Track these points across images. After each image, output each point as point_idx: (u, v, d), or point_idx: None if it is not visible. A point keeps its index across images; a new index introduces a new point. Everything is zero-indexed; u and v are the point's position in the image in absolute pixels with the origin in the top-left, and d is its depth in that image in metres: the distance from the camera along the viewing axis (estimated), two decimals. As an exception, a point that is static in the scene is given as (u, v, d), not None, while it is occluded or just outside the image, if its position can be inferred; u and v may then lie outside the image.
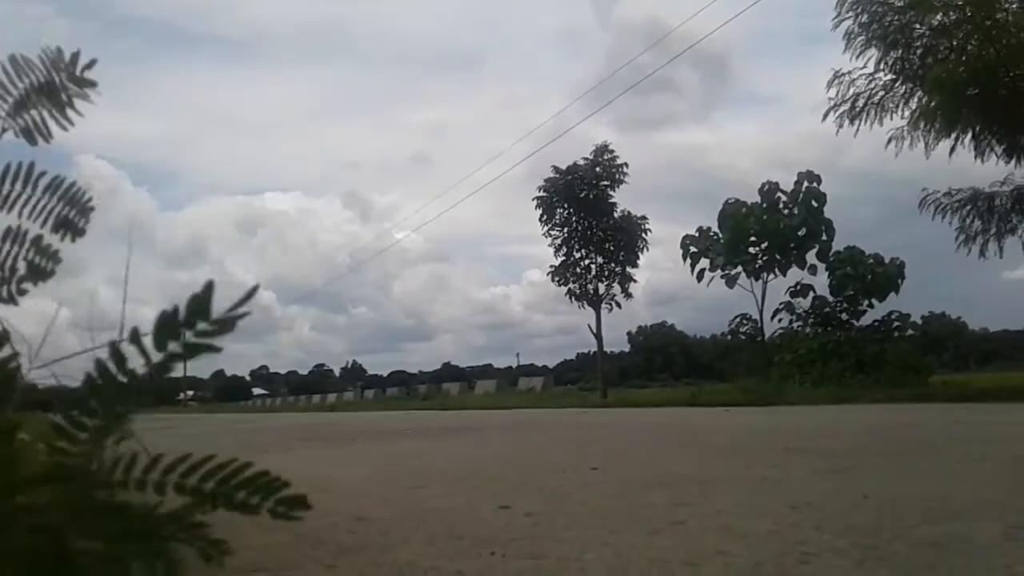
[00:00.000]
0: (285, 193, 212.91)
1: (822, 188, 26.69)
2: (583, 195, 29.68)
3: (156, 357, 1.01)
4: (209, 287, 1.00)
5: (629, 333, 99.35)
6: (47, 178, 1.45)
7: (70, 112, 1.48)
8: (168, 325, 0.99)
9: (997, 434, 8.20)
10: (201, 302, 0.99)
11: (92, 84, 1.45)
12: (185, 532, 1.14)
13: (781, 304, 27.06)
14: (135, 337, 0.99)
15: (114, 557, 1.09)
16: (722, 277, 27.69)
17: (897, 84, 20.75)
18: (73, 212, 1.49)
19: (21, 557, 1.03)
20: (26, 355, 1.40)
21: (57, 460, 1.09)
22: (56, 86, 1.43)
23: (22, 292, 1.46)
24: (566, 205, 30.17)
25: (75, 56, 1.42)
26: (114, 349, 1.01)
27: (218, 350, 1.02)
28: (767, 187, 27.25)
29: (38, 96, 1.42)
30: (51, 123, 1.47)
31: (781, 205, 26.90)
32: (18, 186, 1.42)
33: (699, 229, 28.62)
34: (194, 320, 1.00)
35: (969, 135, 20.43)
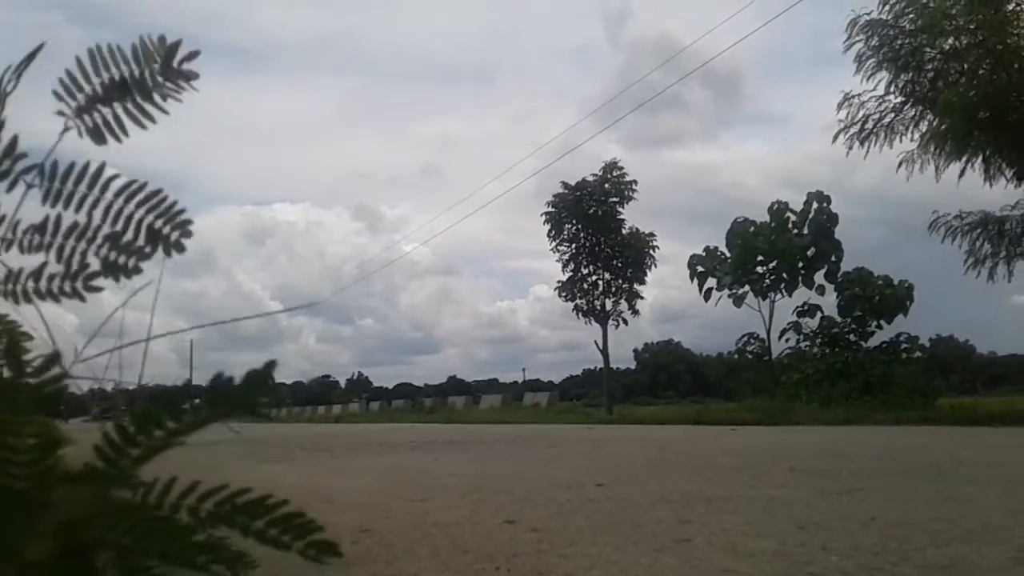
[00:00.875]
0: (294, 204, 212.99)
1: (831, 209, 26.73)
2: (591, 211, 29.72)
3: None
4: (271, 365, 1.02)
5: (635, 350, 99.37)
6: (120, 181, 1.38)
7: (161, 108, 1.40)
8: (226, 395, 1.02)
9: (1005, 458, 8.15)
10: (262, 378, 1.02)
11: (192, 76, 1.37)
12: (213, 544, 1.14)
13: (788, 324, 27.06)
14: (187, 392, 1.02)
15: (141, 558, 1.09)
16: (729, 296, 27.70)
17: (907, 107, 20.77)
18: (162, 223, 1.40)
19: (51, 555, 1.04)
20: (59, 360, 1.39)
21: (92, 463, 1.10)
22: (144, 80, 1.35)
23: (91, 289, 1.42)
24: (574, 221, 30.22)
25: (173, 47, 1.34)
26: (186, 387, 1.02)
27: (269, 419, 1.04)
28: (776, 206, 27.25)
29: (116, 92, 1.35)
30: (130, 122, 1.39)
31: (790, 225, 26.89)
32: (82, 187, 1.35)
33: (706, 248, 28.64)
34: (254, 395, 1.03)
35: (979, 158, 20.42)
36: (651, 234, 30.79)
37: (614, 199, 30.21)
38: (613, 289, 30.24)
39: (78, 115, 1.36)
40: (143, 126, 1.39)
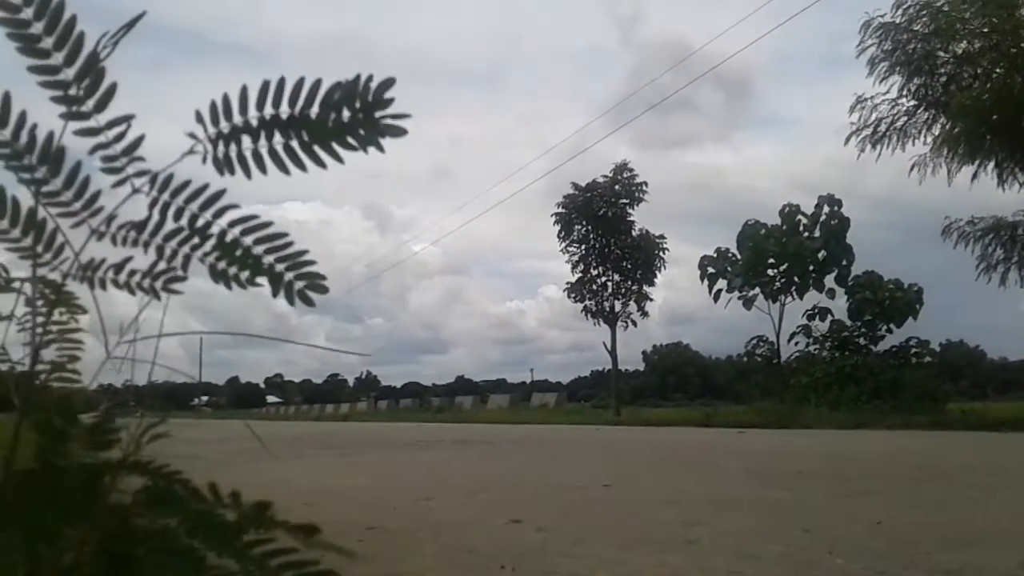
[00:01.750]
0: (305, 203, 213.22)
1: (842, 212, 26.65)
2: (601, 213, 29.67)
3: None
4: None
5: (644, 352, 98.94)
6: (237, 212, 1.28)
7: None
8: None
9: (1014, 464, 8.12)
10: None
11: (398, 133, 1.20)
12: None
13: (798, 327, 26.94)
14: None
15: (183, 545, 1.12)
16: (739, 298, 27.61)
17: (920, 110, 20.68)
18: (285, 267, 1.29)
19: (97, 534, 1.07)
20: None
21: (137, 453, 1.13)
22: (323, 123, 1.20)
23: (170, 291, 1.39)
24: (584, 222, 30.17)
25: (381, 101, 1.18)
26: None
27: None
28: (787, 209, 27.16)
29: (278, 128, 1.22)
30: (271, 162, 1.26)
31: (802, 228, 26.81)
32: (193, 206, 1.28)
33: (717, 250, 28.56)
34: None
35: (992, 162, 20.32)
36: (661, 236, 30.75)
37: (624, 201, 30.15)
38: (622, 291, 30.20)
39: (213, 142, 1.25)
40: (286, 171, 1.26)
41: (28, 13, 1.20)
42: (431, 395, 70.30)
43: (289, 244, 1.31)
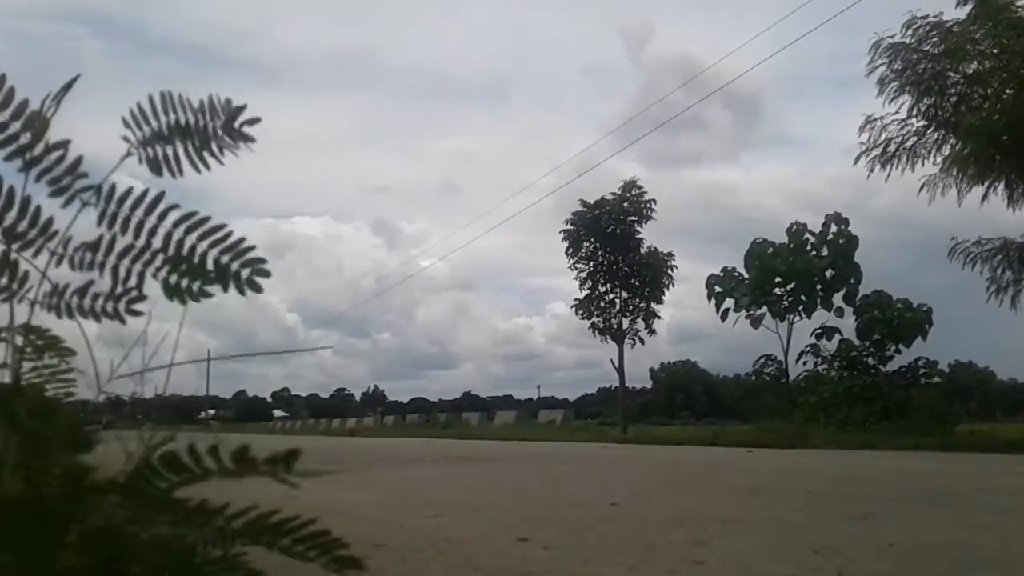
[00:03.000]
0: (314, 218, 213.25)
1: (850, 231, 26.57)
2: (610, 230, 29.69)
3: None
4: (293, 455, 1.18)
5: (652, 369, 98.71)
6: (179, 212, 1.40)
7: (213, 160, 1.48)
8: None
9: (1025, 487, 8.05)
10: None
11: (249, 140, 1.46)
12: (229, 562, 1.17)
13: (806, 346, 26.85)
14: None
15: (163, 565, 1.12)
16: (747, 317, 27.52)
17: (929, 130, 20.67)
18: (229, 258, 1.40)
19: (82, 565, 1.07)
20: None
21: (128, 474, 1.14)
22: (204, 132, 1.43)
23: (133, 313, 1.44)
24: (593, 239, 30.18)
25: (237, 109, 1.43)
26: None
27: None
28: (795, 228, 27.10)
29: (178, 134, 1.43)
30: (185, 162, 1.46)
31: (809, 246, 26.75)
32: (139, 212, 1.38)
33: (724, 269, 28.53)
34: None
35: (1002, 183, 20.28)
36: (669, 253, 30.74)
37: (633, 218, 30.17)
38: (630, 308, 30.15)
39: (142, 146, 1.42)
40: (197, 170, 1.45)
41: None
42: (437, 411, 70.18)
43: (230, 234, 1.41)
